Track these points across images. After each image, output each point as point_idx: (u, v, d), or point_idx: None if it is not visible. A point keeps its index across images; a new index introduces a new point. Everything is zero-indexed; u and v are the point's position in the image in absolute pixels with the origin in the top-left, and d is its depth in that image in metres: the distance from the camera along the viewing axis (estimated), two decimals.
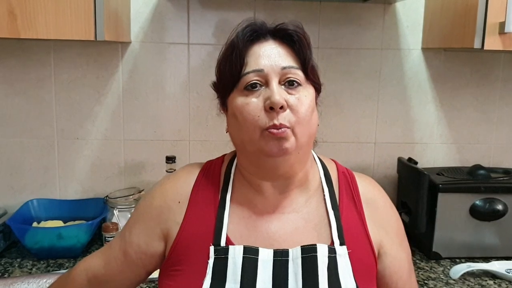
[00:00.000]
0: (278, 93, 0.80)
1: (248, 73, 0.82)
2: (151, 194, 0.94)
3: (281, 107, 0.79)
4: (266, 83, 0.82)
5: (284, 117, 0.80)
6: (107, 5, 1.28)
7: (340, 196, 0.91)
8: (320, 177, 0.92)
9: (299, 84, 0.83)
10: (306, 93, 0.83)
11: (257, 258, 0.82)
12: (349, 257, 0.84)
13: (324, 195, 0.90)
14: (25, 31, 1.23)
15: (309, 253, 0.82)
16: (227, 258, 0.82)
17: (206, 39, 1.65)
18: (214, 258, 0.82)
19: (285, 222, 0.87)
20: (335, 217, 0.87)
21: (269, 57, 0.83)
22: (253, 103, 0.81)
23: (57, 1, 1.23)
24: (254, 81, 0.82)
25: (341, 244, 0.85)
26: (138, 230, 0.91)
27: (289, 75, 0.82)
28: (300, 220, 0.88)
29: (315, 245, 0.83)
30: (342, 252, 0.84)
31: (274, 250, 0.83)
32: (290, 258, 0.82)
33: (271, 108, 0.80)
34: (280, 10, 1.63)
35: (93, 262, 0.95)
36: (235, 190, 0.90)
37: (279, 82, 0.82)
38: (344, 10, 1.66)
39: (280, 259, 0.82)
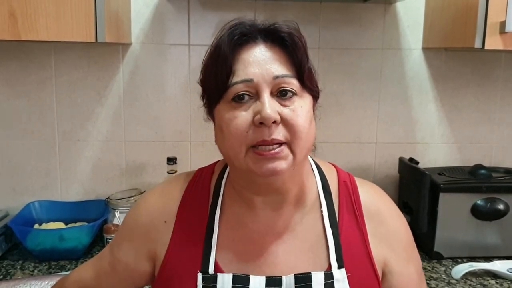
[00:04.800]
0: (270, 106, 0.70)
1: (236, 83, 0.72)
2: (137, 211, 0.89)
3: (274, 122, 0.70)
4: (256, 94, 0.72)
5: (278, 132, 0.71)
6: (108, 6, 1.28)
7: (340, 211, 0.83)
8: (318, 190, 0.84)
9: (294, 94, 0.73)
10: (302, 103, 0.74)
11: None
12: (348, 281, 0.78)
13: (321, 211, 0.82)
14: (26, 33, 1.23)
15: (303, 283, 0.76)
16: (215, 287, 0.77)
17: (207, 40, 1.64)
18: (202, 286, 0.77)
19: (278, 243, 0.81)
20: (334, 236, 0.80)
21: (259, 65, 0.72)
22: (241, 117, 0.72)
23: (57, 3, 1.23)
24: (242, 93, 0.72)
25: (340, 267, 0.78)
26: (126, 248, 0.87)
27: (282, 85, 0.73)
28: (294, 240, 0.81)
29: (310, 273, 0.77)
30: (340, 277, 0.77)
31: (266, 277, 0.77)
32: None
33: (262, 123, 0.70)
34: (280, 10, 1.63)
35: (84, 274, 0.94)
36: (225, 207, 0.83)
37: (271, 93, 0.73)
38: (345, 10, 1.65)
39: None
